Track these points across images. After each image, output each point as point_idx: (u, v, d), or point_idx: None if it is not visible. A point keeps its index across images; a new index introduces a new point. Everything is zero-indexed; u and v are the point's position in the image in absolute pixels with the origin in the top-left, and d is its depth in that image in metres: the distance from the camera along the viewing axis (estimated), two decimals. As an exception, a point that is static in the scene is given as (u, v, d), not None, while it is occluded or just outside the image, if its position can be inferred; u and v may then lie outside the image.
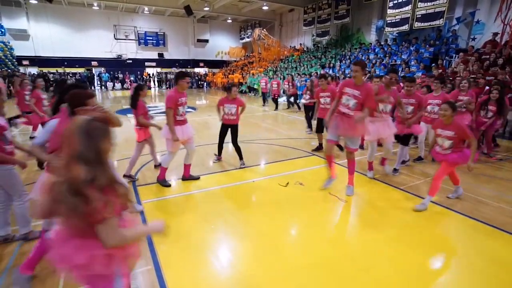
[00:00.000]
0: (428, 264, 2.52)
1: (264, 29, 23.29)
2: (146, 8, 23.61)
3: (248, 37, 27.26)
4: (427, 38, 12.93)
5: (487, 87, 7.12)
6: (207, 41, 28.44)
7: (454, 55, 11.32)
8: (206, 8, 22.19)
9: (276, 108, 12.31)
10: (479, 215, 3.30)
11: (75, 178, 1.15)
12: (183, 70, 7.74)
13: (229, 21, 28.22)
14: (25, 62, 21.84)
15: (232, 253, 2.60)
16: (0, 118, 2.52)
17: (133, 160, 4.26)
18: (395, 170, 4.63)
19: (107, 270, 1.26)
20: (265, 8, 22.43)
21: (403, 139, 4.57)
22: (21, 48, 21.08)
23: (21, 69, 21.10)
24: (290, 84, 11.98)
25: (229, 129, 4.81)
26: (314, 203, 3.63)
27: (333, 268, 2.41)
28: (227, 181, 4.36)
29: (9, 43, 20.19)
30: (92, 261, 1.22)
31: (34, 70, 21.98)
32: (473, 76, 8.72)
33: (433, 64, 11.12)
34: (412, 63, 11.51)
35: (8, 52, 19.96)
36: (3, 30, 20.01)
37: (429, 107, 5.03)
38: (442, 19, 12.11)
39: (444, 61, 11.32)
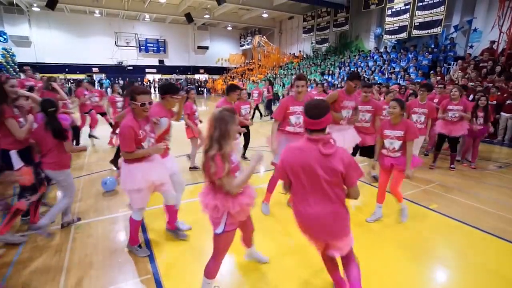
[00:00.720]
0: (427, 275, 2.51)
1: (264, 36, 23.52)
2: (147, 16, 23.87)
3: (248, 44, 27.51)
4: (425, 46, 13.06)
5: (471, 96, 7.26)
6: (207, 48, 28.67)
7: (452, 62, 11.43)
8: (207, 16, 22.44)
9: (261, 116, 11.68)
10: (479, 223, 3.30)
11: (210, 149, 1.78)
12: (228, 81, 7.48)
13: (229, 28, 28.50)
14: (27, 69, 21.90)
15: (232, 263, 2.59)
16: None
17: (193, 153, 5.05)
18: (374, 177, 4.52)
19: (219, 215, 1.87)
20: (265, 15, 22.68)
21: (367, 150, 4.12)
22: (22, 55, 21.25)
23: (22, 76, 21.21)
24: (267, 89, 11.97)
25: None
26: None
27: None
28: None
29: (11, 49, 20.36)
30: (216, 206, 1.84)
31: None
32: (471, 83, 8.82)
33: (431, 71, 11.22)
34: (411, 70, 11.61)
35: (10, 59, 20.12)
36: (5, 37, 20.18)
37: (414, 116, 4.71)
38: (439, 27, 12.27)
39: (443, 68, 11.43)
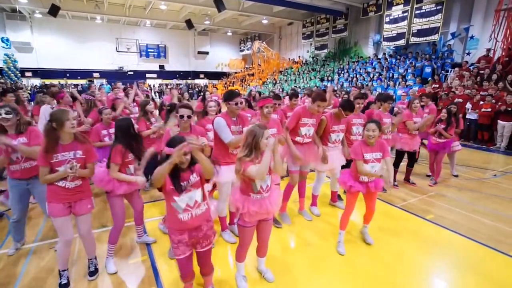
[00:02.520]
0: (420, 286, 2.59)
1: (264, 42, 23.73)
2: (148, 22, 24.10)
3: (248, 49, 27.74)
4: (422, 52, 13.22)
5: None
6: (207, 53, 28.88)
7: (450, 69, 11.57)
8: (207, 22, 22.66)
9: None
10: (474, 234, 3.38)
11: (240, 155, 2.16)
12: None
13: (229, 33, 28.74)
14: (28, 74, 22.14)
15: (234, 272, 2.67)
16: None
17: None
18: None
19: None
20: (264, 21, 22.91)
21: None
22: (24, 60, 21.41)
23: (24, 81, 21.39)
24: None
25: None
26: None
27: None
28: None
29: (13, 55, 20.55)
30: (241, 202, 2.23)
31: (36, 82, 22.25)
32: (468, 91, 8.95)
33: (429, 78, 11.37)
34: (409, 77, 11.74)
35: (11, 65, 20.30)
36: (8, 43, 20.39)
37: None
38: (437, 34, 12.44)
39: (441, 75, 11.57)
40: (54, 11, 15.81)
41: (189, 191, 1.97)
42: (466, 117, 8.42)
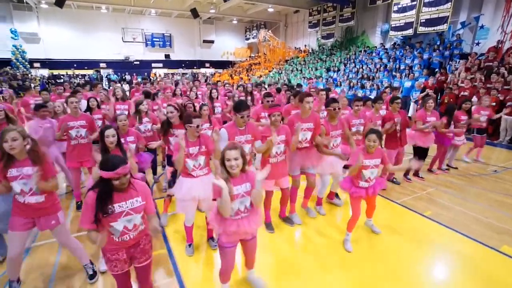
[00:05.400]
0: (415, 281, 2.81)
1: (270, 31, 23.48)
2: (153, 11, 23.96)
3: (253, 38, 27.48)
4: (431, 43, 13.04)
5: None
6: (212, 42, 28.71)
7: (458, 60, 11.44)
8: (212, 10, 22.47)
9: None
10: (469, 231, 3.57)
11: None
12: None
13: (235, 22, 28.44)
14: (37, 65, 22.42)
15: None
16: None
17: None
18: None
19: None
20: (270, 10, 22.60)
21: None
22: (32, 51, 21.62)
23: (33, 72, 21.70)
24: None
25: None
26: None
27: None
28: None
29: (21, 46, 20.78)
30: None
31: (45, 73, 22.55)
32: (475, 84, 8.90)
33: (435, 70, 11.28)
34: (416, 68, 11.65)
35: (19, 56, 20.57)
36: (16, 34, 20.59)
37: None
38: (446, 24, 12.23)
39: (448, 66, 11.45)
40: (60, 2, 15.85)
41: (129, 215, 1.87)
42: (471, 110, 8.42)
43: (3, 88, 14.78)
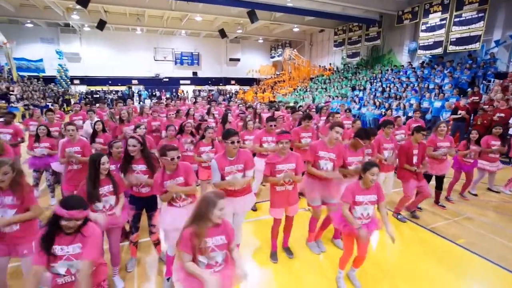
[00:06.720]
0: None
1: (295, 50, 23.89)
2: (183, 31, 25.32)
3: (278, 56, 28.05)
4: (463, 61, 12.64)
5: None
6: (238, 59, 29.61)
7: (492, 79, 10.98)
8: (239, 31, 23.34)
9: None
10: (506, 263, 3.36)
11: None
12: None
13: (260, 41, 29.27)
14: (76, 82, 24.28)
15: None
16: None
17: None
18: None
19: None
20: (295, 29, 23.10)
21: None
22: (73, 69, 23.57)
23: (72, 88, 23.50)
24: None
25: None
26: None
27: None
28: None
29: (65, 65, 22.74)
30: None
31: (83, 89, 24.33)
32: None
33: (468, 89, 10.87)
34: (446, 87, 11.30)
35: (63, 73, 22.48)
36: (61, 54, 22.61)
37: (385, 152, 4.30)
38: (478, 43, 11.87)
39: (482, 85, 11.01)
40: (101, 25, 17.25)
41: (70, 260, 1.84)
42: (509, 132, 7.99)
43: (48, 104, 16.09)
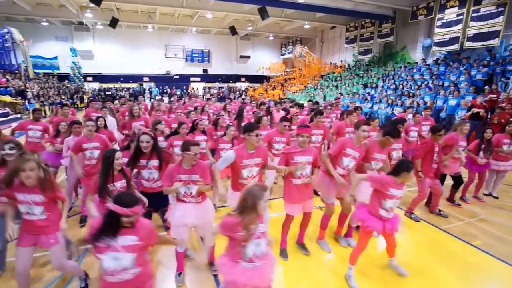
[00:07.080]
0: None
1: (305, 47, 23.66)
2: (194, 29, 25.41)
3: (289, 53, 27.85)
4: (480, 58, 12.23)
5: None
6: (249, 57, 29.54)
7: (511, 76, 10.59)
8: (250, 28, 23.25)
9: None
10: (498, 253, 3.24)
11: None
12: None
13: (271, 38, 29.11)
14: (89, 79, 24.73)
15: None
16: None
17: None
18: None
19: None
20: (306, 26, 22.86)
21: None
22: (86, 66, 23.99)
23: (86, 85, 23.93)
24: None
25: None
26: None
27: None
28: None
29: (78, 62, 23.17)
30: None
31: (96, 86, 24.75)
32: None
33: (486, 86, 10.53)
34: (462, 85, 10.96)
35: (77, 71, 22.92)
36: (75, 52, 23.05)
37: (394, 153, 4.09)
38: (497, 38, 11.46)
39: (500, 83, 10.64)
40: (113, 23, 17.47)
41: (117, 252, 1.80)
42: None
43: (62, 100, 16.45)
